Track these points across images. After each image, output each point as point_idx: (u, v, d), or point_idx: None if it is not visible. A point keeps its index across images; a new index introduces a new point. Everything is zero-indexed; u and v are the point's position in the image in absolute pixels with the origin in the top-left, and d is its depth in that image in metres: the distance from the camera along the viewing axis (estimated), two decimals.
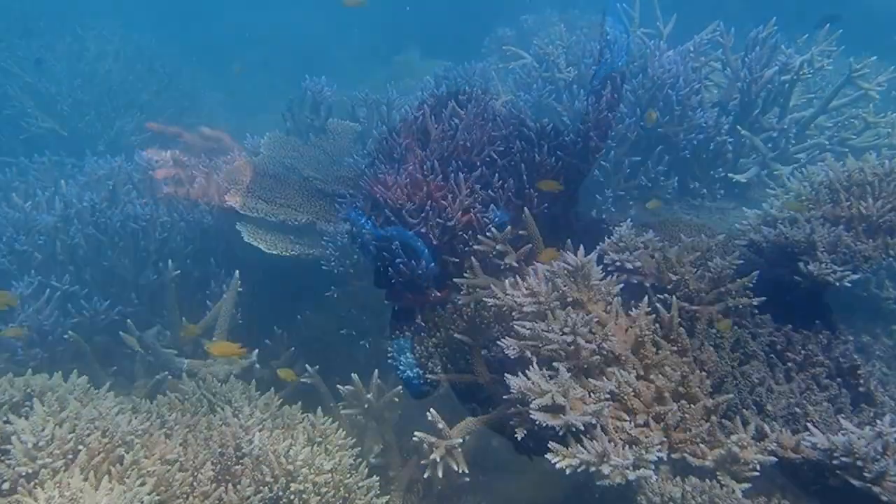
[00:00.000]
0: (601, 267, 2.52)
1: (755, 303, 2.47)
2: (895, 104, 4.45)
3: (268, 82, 12.08)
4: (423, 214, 3.25)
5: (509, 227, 2.77)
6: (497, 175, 3.45)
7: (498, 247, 2.68)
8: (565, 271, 2.44)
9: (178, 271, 3.43)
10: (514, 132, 3.58)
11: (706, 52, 3.75)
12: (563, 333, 2.20)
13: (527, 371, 2.09)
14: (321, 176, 4.14)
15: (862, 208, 2.75)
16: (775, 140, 3.56)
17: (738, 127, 3.60)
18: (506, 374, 2.10)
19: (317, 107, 4.36)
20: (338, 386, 2.92)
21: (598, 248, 2.77)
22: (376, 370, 2.94)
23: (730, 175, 3.49)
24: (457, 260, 3.35)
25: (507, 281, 2.68)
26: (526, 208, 2.79)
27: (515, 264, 2.66)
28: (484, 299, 2.55)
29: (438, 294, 3.36)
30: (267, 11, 13.89)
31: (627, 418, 2.05)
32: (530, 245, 2.72)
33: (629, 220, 2.95)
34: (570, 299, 2.39)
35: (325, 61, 12.03)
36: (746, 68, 3.47)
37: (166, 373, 2.93)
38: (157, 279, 3.66)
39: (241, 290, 3.49)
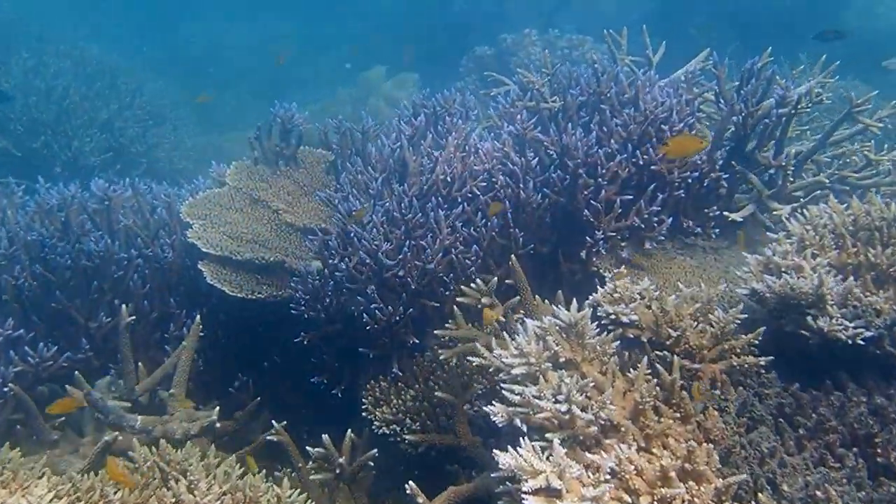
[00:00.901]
0: (594, 320, 2.36)
1: (763, 362, 2.33)
2: (892, 138, 4.39)
3: (236, 98, 11.90)
4: (400, 256, 3.08)
5: (495, 278, 2.60)
6: (479, 213, 3.30)
7: (483, 300, 2.51)
8: (557, 328, 2.27)
9: (133, 318, 3.21)
10: (497, 166, 3.44)
11: (699, 83, 3.63)
12: (557, 401, 2.04)
13: (517, 447, 1.92)
14: (291, 209, 3.95)
15: (870, 256, 2.62)
16: (772, 177, 3.44)
17: (733, 163, 3.48)
18: (494, 451, 1.93)
19: (286, 134, 4.18)
20: (307, 448, 2.72)
21: (590, 298, 2.62)
22: (349, 431, 2.75)
23: (725, 213, 3.36)
24: (437, 304, 3.18)
25: (493, 338, 2.51)
26: (513, 255, 2.62)
27: (503, 319, 2.49)
28: (468, 358, 2.37)
29: (416, 340, 3.19)
30: (234, 24, 13.69)
31: (630, 501, 1.88)
32: (518, 298, 2.55)
33: (622, 266, 2.81)
34: (562, 359, 2.22)
35: (291, 77, 11.88)
36: (742, 101, 3.36)
37: (116, 434, 2.71)
38: (110, 322, 3.44)
39: (202, 334, 3.28)
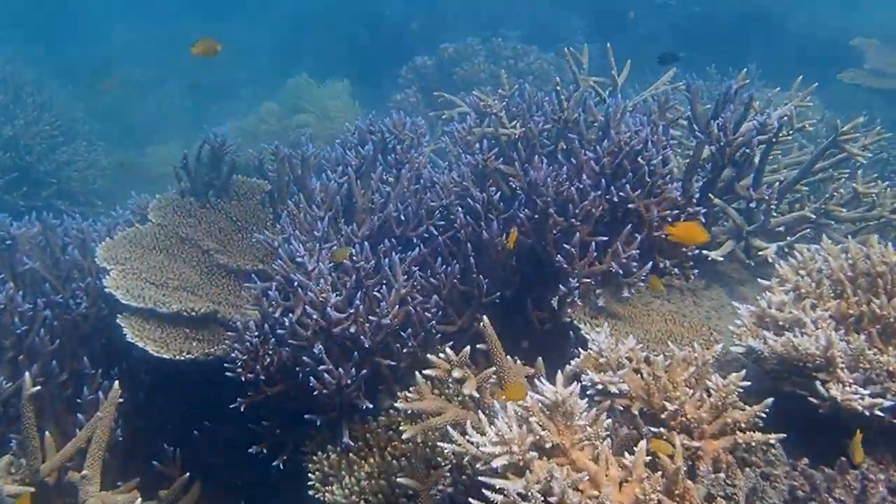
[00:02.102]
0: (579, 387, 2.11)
1: (773, 440, 2.11)
2: (876, 166, 4.30)
3: (156, 106, 11.32)
4: (351, 309, 2.78)
5: (467, 348, 2.32)
6: (438, 257, 3.03)
7: (455, 373, 2.23)
8: (541, 407, 2.01)
9: (38, 387, 2.81)
10: (455, 202, 3.17)
11: (672, 108, 3.44)
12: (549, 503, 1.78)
13: None
14: (225, 248, 3.60)
15: (875, 307, 2.45)
16: (752, 210, 3.27)
17: (711, 195, 3.30)
18: None
19: (217, 162, 3.82)
20: None
21: (573, 363, 2.37)
22: None
23: (704, 252, 3.17)
24: (394, 363, 2.90)
25: (465, 410, 2.24)
26: (485, 318, 2.35)
27: (476, 394, 2.22)
28: (439, 444, 2.09)
29: (370, 405, 2.89)
30: (154, 25, 13.07)
31: None
32: (493, 369, 2.28)
33: (605, 324, 2.58)
34: (548, 444, 1.96)
35: (215, 81, 11.37)
36: (720, 129, 3.17)
37: None
38: (11, 387, 3.04)
39: (121, 399, 2.90)
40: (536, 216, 2.94)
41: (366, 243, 2.98)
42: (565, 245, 2.85)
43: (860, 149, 3.20)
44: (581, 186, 2.96)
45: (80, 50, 12.38)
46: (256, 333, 2.93)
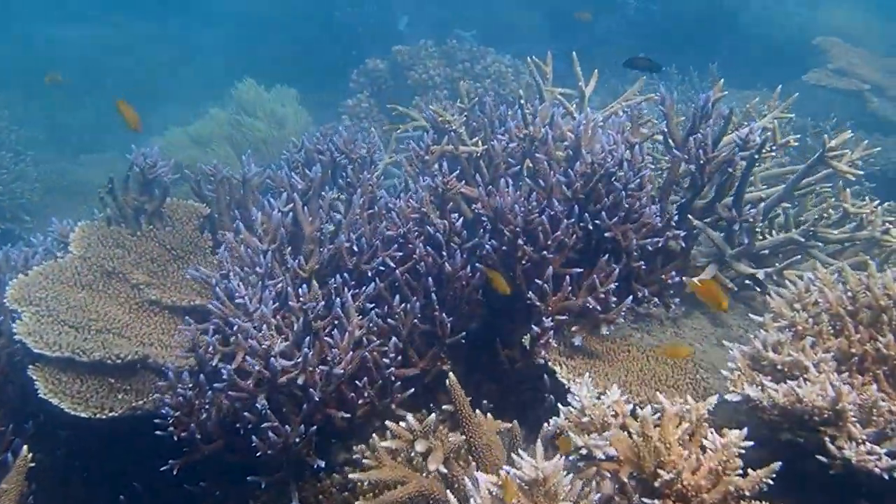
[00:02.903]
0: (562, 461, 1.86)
1: None
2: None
3: (94, 111, 10.79)
4: (299, 357, 2.49)
5: (433, 416, 2.04)
6: (396, 293, 2.75)
7: (418, 446, 1.96)
8: (519, 484, 1.76)
9: None
10: (414, 230, 2.90)
11: (646, 122, 3.21)
12: None
13: None
14: (158, 281, 3.27)
15: (881, 346, 2.25)
16: (735, 233, 3.05)
17: (690, 217, 3.08)
18: None
19: (148, 185, 3.48)
20: None
21: (552, 422, 2.12)
22: None
23: (684, 279, 2.94)
24: (348, 415, 2.62)
25: (433, 490, 1.97)
26: (451, 375, 2.08)
27: (444, 469, 1.95)
28: None
29: (321, 463, 2.61)
30: (88, 26, 12.48)
31: None
32: (463, 438, 2.01)
33: (586, 374, 2.33)
34: None
35: (157, 86, 10.88)
36: (699, 147, 2.95)
37: None
38: None
39: (33, 465, 2.56)
40: (504, 247, 2.68)
41: (314, 282, 2.70)
42: (536, 280, 2.60)
43: (848, 164, 3.00)
44: (553, 213, 2.71)
45: (12, 52, 11.76)
46: (191, 384, 2.62)
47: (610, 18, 9.38)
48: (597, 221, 2.70)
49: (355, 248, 2.84)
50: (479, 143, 3.31)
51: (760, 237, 3.02)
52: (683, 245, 3.01)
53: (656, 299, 2.96)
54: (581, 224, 2.75)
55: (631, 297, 2.65)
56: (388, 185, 3.71)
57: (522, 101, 3.34)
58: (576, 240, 2.74)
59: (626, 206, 2.73)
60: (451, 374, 2.07)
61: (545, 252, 2.63)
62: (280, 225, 2.84)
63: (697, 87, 7.39)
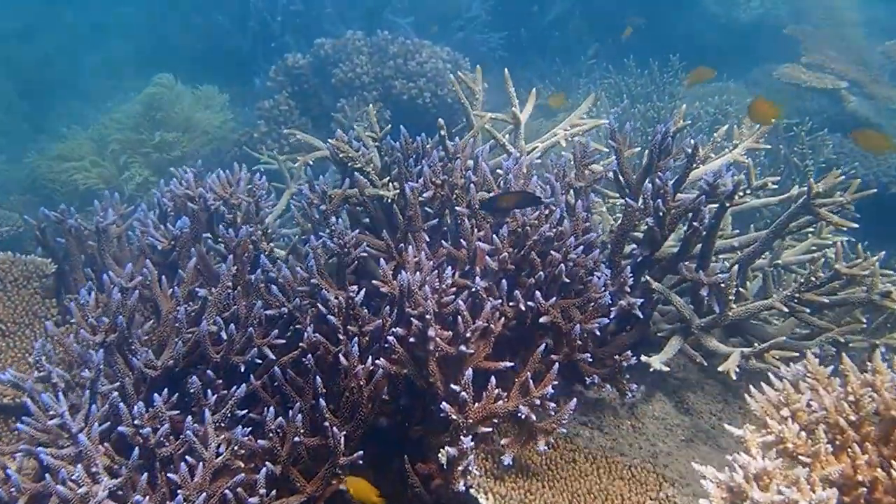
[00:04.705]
0: None
1: None
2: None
3: None
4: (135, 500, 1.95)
5: None
6: (276, 394, 2.23)
7: None
8: None
9: None
10: (303, 309, 2.37)
11: (593, 162, 2.71)
12: None
13: None
14: None
15: (894, 472, 1.79)
16: (704, 299, 2.57)
17: (648, 279, 2.60)
18: None
19: None
20: None
21: None
22: None
23: (643, 358, 2.46)
24: None
25: None
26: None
27: None
28: None
29: None
30: None
31: None
32: None
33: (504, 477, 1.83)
34: None
35: (58, 82, 10.06)
36: (658, 196, 2.47)
37: None
38: None
39: None
40: (412, 338, 2.16)
41: (165, 391, 2.15)
42: (454, 386, 2.08)
43: (838, 206, 2.54)
44: (475, 290, 2.19)
45: None
46: None
47: (561, 2, 8.86)
48: (529, 304, 2.19)
49: (223, 336, 2.29)
50: (392, 185, 2.78)
51: (735, 297, 2.53)
52: (641, 315, 2.53)
53: (609, 385, 2.48)
54: (511, 304, 2.24)
55: (575, 400, 2.15)
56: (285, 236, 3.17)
57: (443, 132, 2.82)
58: (505, 325, 2.23)
59: (567, 279, 2.23)
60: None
61: (464, 346, 2.11)
62: (122, 307, 2.27)
63: (658, 83, 6.93)
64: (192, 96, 7.35)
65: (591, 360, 2.29)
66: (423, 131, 6.21)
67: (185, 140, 6.73)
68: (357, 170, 2.78)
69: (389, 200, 2.75)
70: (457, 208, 2.46)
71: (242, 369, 2.31)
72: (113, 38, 10.49)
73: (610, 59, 7.86)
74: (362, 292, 2.34)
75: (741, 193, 2.57)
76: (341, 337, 2.30)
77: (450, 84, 6.19)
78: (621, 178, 2.68)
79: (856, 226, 2.50)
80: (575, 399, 2.14)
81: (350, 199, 2.73)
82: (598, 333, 2.26)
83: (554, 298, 2.21)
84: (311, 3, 7.91)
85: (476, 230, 2.37)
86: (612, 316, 2.42)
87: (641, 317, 2.54)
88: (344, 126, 5.81)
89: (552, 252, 2.21)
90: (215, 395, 2.19)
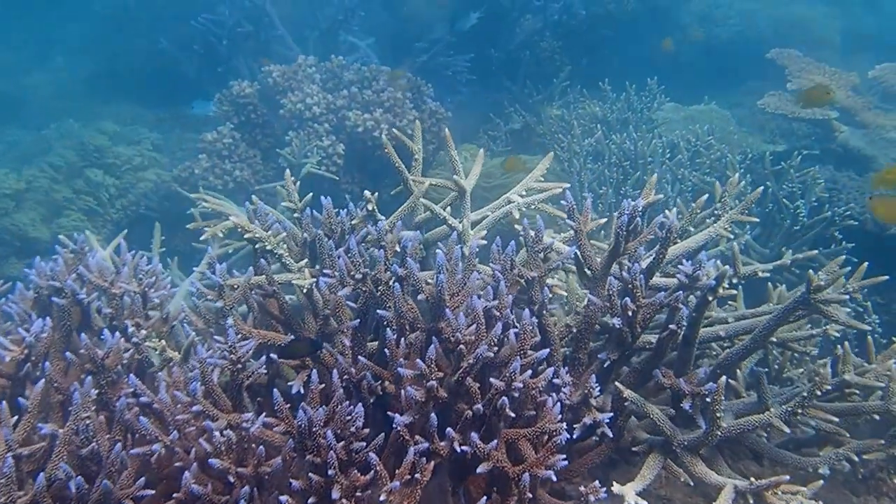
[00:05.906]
0: None
1: None
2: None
3: None
4: None
5: None
6: None
7: None
8: None
9: None
10: (186, 443, 1.93)
11: (547, 250, 2.28)
12: None
13: None
14: None
15: None
16: (686, 413, 2.15)
17: (619, 385, 2.17)
18: None
19: None
20: None
21: None
22: None
23: (614, 488, 2.04)
24: None
25: None
26: None
27: None
28: None
29: None
30: None
31: None
32: None
33: None
34: None
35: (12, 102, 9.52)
36: (627, 293, 2.05)
37: None
38: None
39: None
40: (311, 499, 1.72)
41: None
42: None
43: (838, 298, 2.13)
44: (397, 429, 1.76)
45: None
46: None
47: (533, 20, 8.44)
48: (464, 448, 1.76)
49: (72, 488, 1.83)
50: (308, 272, 2.34)
51: (722, 410, 2.12)
52: (611, 434, 2.11)
53: None
54: (444, 442, 1.81)
55: None
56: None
57: (371, 207, 2.39)
58: (434, 469, 1.79)
59: (512, 415, 1.80)
60: None
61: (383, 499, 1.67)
62: None
63: (636, 109, 6.54)
64: (121, 131, 6.94)
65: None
66: (379, 168, 5.77)
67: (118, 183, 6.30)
68: (267, 252, 2.35)
69: (305, 290, 2.31)
70: (379, 311, 2.02)
71: None
72: (62, 56, 9.97)
73: (585, 81, 7.48)
74: (261, 418, 1.89)
75: (726, 286, 2.15)
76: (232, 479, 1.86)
77: (410, 114, 5.80)
78: (584, 265, 2.26)
79: (868, 328, 2.09)
80: None
81: (254, 289, 2.29)
82: (554, 479, 1.82)
83: (494, 442, 1.77)
84: (260, 23, 7.45)
85: (401, 342, 1.94)
86: (575, 436, 2.01)
87: (611, 436, 2.12)
88: (292, 163, 5.38)
89: (492, 380, 1.78)
90: None
